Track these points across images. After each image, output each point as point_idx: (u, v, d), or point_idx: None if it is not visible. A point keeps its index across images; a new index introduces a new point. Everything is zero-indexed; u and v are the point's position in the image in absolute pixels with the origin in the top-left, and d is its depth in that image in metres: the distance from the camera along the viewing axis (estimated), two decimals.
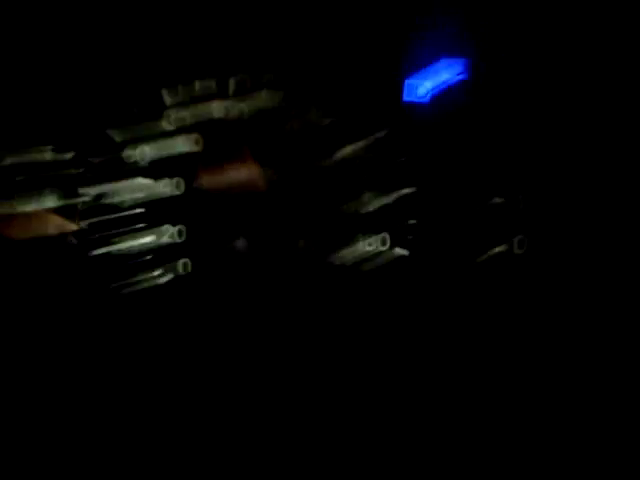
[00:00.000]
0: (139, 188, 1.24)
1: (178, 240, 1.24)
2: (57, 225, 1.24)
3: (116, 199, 1.24)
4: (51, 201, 1.25)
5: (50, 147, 1.24)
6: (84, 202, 1.25)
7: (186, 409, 1.20)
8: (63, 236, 1.25)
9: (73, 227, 1.25)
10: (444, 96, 1.19)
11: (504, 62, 1.17)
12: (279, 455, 1.17)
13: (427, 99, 1.19)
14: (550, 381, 1.16)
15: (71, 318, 1.24)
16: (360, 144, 1.20)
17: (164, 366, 1.22)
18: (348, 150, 1.21)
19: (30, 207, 1.21)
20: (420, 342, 1.20)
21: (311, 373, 1.21)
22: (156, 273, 1.25)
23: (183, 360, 1.23)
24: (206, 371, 1.22)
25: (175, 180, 1.24)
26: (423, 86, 1.18)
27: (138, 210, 1.25)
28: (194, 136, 1.23)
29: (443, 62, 1.18)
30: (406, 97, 1.20)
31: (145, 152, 1.22)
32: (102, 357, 1.22)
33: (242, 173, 1.22)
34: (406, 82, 1.19)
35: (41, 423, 1.18)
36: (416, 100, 1.19)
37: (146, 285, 1.25)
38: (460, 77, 1.18)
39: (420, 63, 1.19)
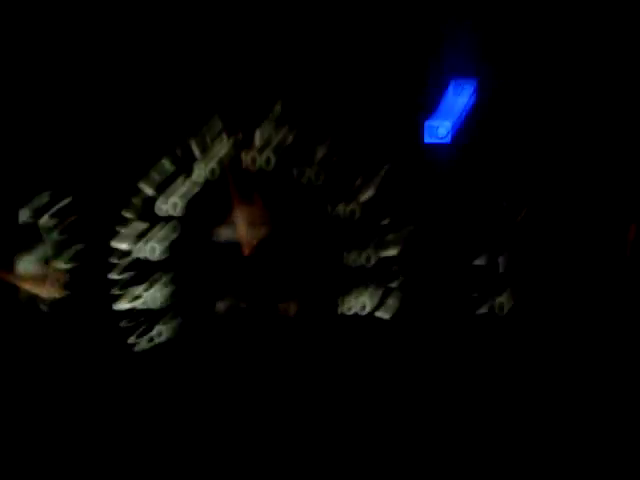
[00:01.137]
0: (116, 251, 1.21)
1: (153, 305, 1.21)
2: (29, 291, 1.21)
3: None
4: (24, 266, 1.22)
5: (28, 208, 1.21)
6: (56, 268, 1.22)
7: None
8: (34, 302, 1.21)
9: (45, 293, 1.21)
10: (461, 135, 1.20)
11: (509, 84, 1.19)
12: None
13: (449, 139, 1.20)
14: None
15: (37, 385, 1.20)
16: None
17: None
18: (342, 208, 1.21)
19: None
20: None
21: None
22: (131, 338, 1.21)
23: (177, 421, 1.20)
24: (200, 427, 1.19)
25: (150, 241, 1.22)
26: (443, 126, 1.19)
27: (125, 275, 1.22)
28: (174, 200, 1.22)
29: (453, 85, 1.20)
30: (427, 139, 1.20)
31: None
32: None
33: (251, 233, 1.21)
34: (426, 124, 1.20)
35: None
36: (438, 141, 1.20)
37: (122, 351, 1.21)
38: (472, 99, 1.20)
39: (433, 96, 1.20)
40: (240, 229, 1.21)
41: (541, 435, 1.16)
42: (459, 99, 1.19)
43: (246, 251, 1.20)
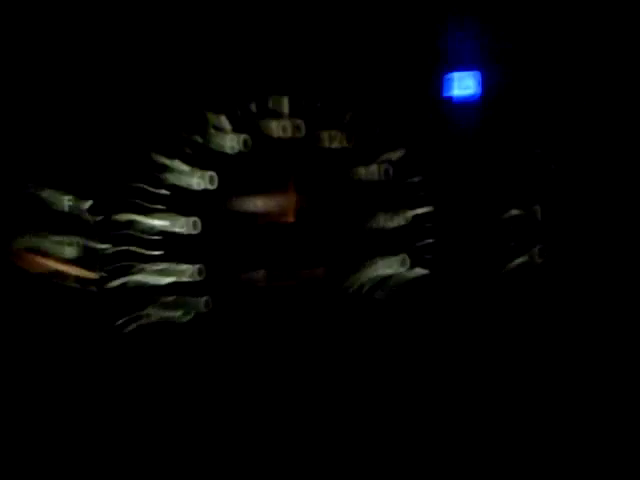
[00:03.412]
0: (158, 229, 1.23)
1: (198, 279, 1.24)
2: (77, 275, 1.23)
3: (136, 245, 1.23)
4: (71, 252, 1.24)
5: (69, 196, 1.23)
6: (103, 250, 1.24)
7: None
8: (84, 285, 1.24)
9: (93, 276, 1.23)
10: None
11: (516, 75, 1.19)
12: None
13: (479, 92, 1.20)
14: (568, 390, 1.18)
15: (91, 362, 1.23)
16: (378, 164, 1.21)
17: (186, 404, 1.22)
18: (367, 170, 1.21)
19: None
20: (442, 360, 1.21)
21: (333, 400, 1.21)
22: (178, 313, 1.24)
23: (206, 397, 1.22)
24: (229, 406, 1.22)
25: (192, 220, 1.23)
26: (470, 79, 1.19)
27: (157, 252, 1.24)
28: (209, 174, 1.23)
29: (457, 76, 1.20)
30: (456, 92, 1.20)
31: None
32: (122, 395, 1.21)
33: (281, 202, 1.22)
34: (455, 77, 1.20)
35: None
36: (464, 96, 1.20)
37: (168, 326, 1.24)
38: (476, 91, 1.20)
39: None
40: (275, 198, 1.22)
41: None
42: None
43: (289, 218, 1.20)
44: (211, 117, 1.22)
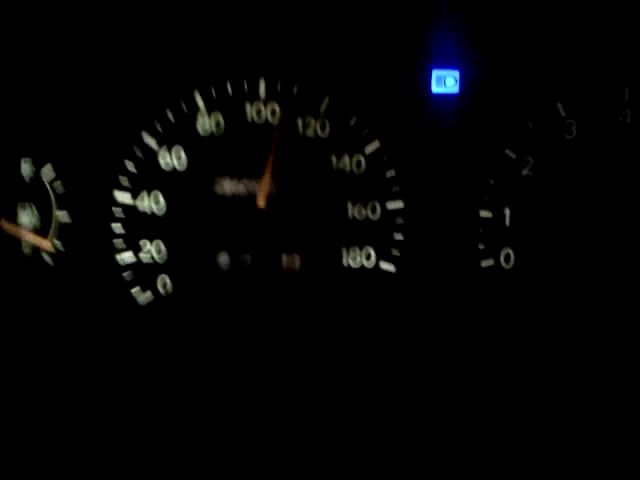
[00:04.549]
0: (119, 204, 1.20)
1: (157, 257, 1.21)
2: (32, 243, 1.20)
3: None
4: (27, 218, 1.21)
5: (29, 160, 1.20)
6: (59, 221, 1.21)
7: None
8: (37, 254, 1.21)
9: (47, 245, 1.20)
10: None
11: (494, 75, 1.18)
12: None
13: (457, 90, 1.18)
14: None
15: (40, 334, 1.20)
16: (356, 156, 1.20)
17: (140, 386, 1.18)
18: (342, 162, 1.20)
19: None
20: (401, 358, 1.19)
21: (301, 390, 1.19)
22: (136, 291, 1.21)
23: (162, 381, 1.19)
24: (187, 392, 1.18)
25: (156, 196, 1.21)
26: (450, 77, 1.18)
27: (117, 227, 1.21)
28: (177, 149, 1.20)
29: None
30: (435, 89, 1.18)
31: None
32: (70, 373, 1.18)
33: (253, 186, 1.20)
34: (434, 73, 1.18)
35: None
36: (446, 92, 1.18)
37: (126, 304, 1.21)
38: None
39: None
40: (247, 182, 1.20)
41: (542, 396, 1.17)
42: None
43: (260, 203, 1.18)
44: (185, 94, 1.20)
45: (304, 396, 1.18)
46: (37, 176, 1.20)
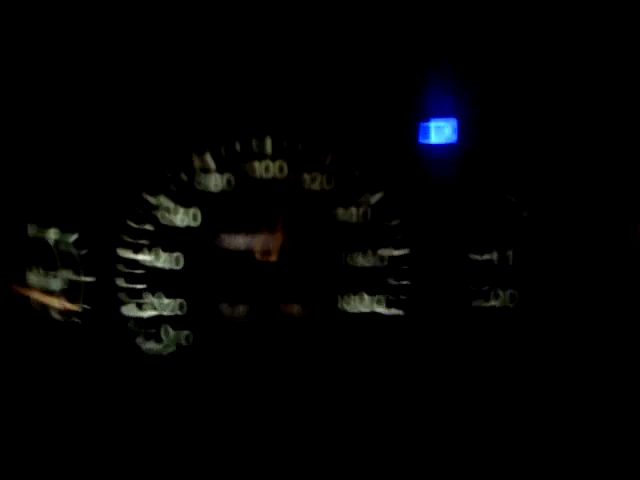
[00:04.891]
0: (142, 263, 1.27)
1: (179, 313, 1.27)
2: (61, 308, 1.27)
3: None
4: (56, 284, 1.28)
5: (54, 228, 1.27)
6: (87, 283, 1.28)
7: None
8: (67, 317, 1.28)
9: (76, 308, 1.27)
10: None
11: (491, 123, 1.22)
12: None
13: (455, 139, 1.23)
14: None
15: (74, 394, 1.26)
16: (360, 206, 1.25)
17: (167, 438, 1.25)
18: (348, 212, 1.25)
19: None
20: (416, 400, 1.24)
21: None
22: (160, 346, 1.27)
23: (187, 431, 1.25)
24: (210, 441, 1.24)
25: (175, 255, 1.27)
26: (447, 127, 1.23)
27: (140, 286, 1.27)
28: (192, 210, 1.27)
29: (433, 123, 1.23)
30: (434, 139, 1.23)
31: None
32: (105, 427, 1.25)
33: (265, 240, 1.26)
34: (432, 124, 1.23)
35: None
36: (443, 142, 1.23)
37: (151, 359, 1.27)
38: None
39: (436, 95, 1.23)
40: (257, 236, 1.26)
41: (541, 434, 1.20)
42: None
43: (272, 257, 1.24)
44: (196, 157, 1.26)
45: (307, 441, 1.23)
46: (63, 243, 1.27)
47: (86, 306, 1.28)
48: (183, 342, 1.28)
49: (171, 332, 1.27)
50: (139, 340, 1.27)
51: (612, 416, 1.19)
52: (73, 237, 1.28)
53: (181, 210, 1.26)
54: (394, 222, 1.25)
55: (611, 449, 1.17)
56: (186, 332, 1.28)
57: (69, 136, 1.27)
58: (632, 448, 1.16)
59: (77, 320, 1.28)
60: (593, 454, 1.17)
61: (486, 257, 1.23)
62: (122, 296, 1.27)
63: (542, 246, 1.22)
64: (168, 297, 1.27)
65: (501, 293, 1.23)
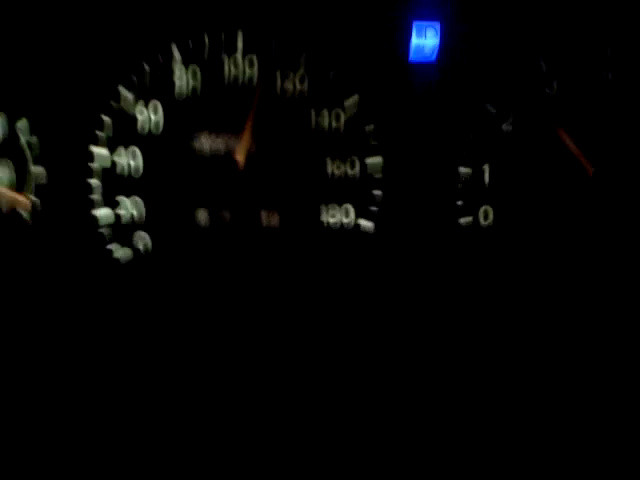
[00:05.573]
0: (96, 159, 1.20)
1: (135, 214, 1.20)
2: (9, 200, 1.19)
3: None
4: (3, 175, 1.20)
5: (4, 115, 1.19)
6: (36, 177, 1.20)
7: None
8: (14, 211, 1.20)
9: (24, 202, 1.19)
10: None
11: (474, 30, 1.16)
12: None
13: (434, 58, 1.16)
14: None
15: (20, 295, 1.20)
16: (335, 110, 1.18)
17: (119, 346, 1.20)
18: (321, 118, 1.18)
19: None
20: (380, 320, 1.20)
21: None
22: (115, 248, 1.21)
23: (142, 338, 1.20)
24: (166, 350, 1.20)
25: (132, 150, 1.20)
26: (429, 46, 1.16)
27: (94, 182, 1.20)
28: (154, 103, 1.19)
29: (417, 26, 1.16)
30: (414, 58, 1.17)
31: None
32: (50, 333, 1.19)
33: (232, 143, 1.19)
34: (414, 24, 1.16)
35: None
36: (424, 60, 1.17)
37: (104, 260, 1.21)
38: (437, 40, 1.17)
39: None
40: (223, 137, 1.19)
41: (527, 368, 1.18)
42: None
43: (239, 161, 1.17)
44: (161, 48, 1.18)
45: (282, 354, 1.19)
46: (12, 131, 1.18)
47: (36, 199, 1.20)
48: (141, 247, 1.21)
49: (145, 237, 1.20)
50: (94, 239, 1.20)
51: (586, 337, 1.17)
52: (22, 123, 1.19)
53: (141, 103, 1.18)
54: (368, 128, 1.18)
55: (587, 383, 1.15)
56: (143, 234, 1.21)
57: (39, 29, 1.18)
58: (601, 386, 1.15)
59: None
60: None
61: (462, 170, 1.18)
62: (95, 198, 1.20)
63: (520, 163, 1.17)
64: (127, 196, 1.20)
65: (475, 209, 1.19)
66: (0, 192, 1.17)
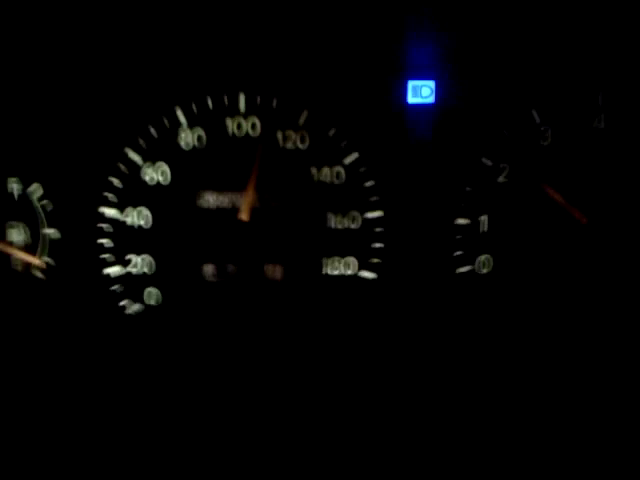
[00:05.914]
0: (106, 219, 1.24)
1: (145, 270, 1.24)
2: (23, 261, 1.24)
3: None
4: (17, 236, 1.25)
5: (17, 179, 1.24)
6: (51, 236, 1.25)
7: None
8: (28, 270, 1.25)
9: (39, 262, 1.24)
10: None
11: (470, 85, 1.20)
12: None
13: (433, 100, 1.20)
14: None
15: (35, 348, 1.24)
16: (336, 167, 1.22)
17: (131, 397, 1.22)
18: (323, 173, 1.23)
19: None
20: (385, 364, 1.23)
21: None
22: (126, 304, 1.25)
23: (153, 390, 1.23)
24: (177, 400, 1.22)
25: (142, 211, 1.24)
26: (427, 87, 1.20)
27: (105, 241, 1.24)
28: (160, 164, 1.24)
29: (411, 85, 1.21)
30: (411, 99, 1.21)
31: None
32: (65, 385, 1.23)
33: (236, 199, 1.23)
34: (410, 83, 1.20)
35: None
36: (422, 102, 1.20)
37: (115, 316, 1.24)
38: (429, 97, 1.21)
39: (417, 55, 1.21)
40: (228, 194, 1.23)
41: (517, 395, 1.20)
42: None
43: (243, 216, 1.21)
44: (166, 112, 1.23)
45: (287, 403, 1.21)
46: (25, 194, 1.23)
47: (50, 260, 1.25)
48: (151, 302, 1.25)
49: (154, 291, 1.24)
50: (106, 296, 1.24)
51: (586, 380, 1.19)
52: (35, 187, 1.24)
53: (149, 166, 1.23)
54: (369, 183, 1.22)
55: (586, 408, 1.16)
56: (154, 290, 1.25)
57: (49, 95, 1.23)
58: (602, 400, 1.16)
59: (39, 274, 1.25)
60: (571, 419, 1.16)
61: (460, 221, 1.21)
62: (106, 256, 1.24)
63: (517, 212, 1.20)
64: (137, 254, 1.24)
65: (473, 258, 1.21)
66: (15, 254, 1.22)
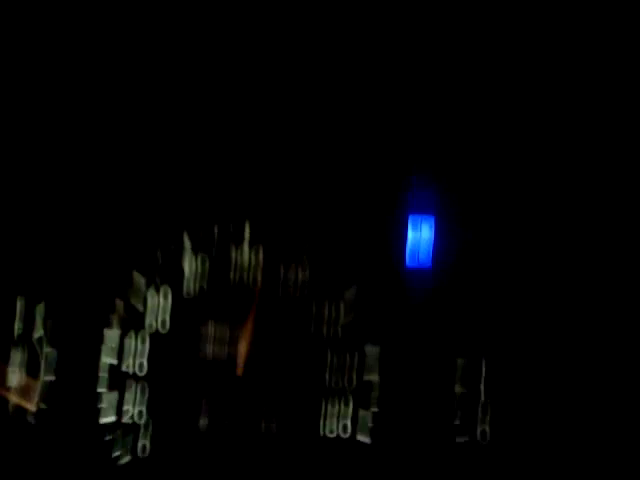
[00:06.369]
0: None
1: (138, 421, 1.23)
2: (15, 404, 1.24)
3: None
4: (13, 379, 1.25)
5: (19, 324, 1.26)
6: (46, 381, 1.25)
7: None
8: (22, 415, 1.24)
9: (32, 407, 1.24)
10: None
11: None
12: None
13: (429, 264, 1.22)
14: None
15: None
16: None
17: None
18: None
19: None
20: None
21: None
22: (117, 453, 1.22)
23: None
24: None
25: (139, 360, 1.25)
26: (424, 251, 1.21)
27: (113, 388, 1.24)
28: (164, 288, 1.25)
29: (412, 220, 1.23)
30: (410, 264, 1.23)
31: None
32: None
33: (232, 352, 1.23)
34: (408, 248, 1.22)
35: None
36: (420, 266, 1.22)
37: (106, 466, 1.22)
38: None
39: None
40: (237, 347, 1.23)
41: None
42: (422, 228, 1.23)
43: (239, 370, 1.21)
44: (173, 234, 1.25)
45: None
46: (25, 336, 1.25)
47: (42, 405, 1.24)
48: (139, 452, 1.23)
49: (145, 443, 1.22)
50: (96, 445, 1.23)
51: None
52: (38, 333, 1.26)
53: (153, 288, 1.24)
54: (367, 347, 1.22)
55: None
56: (144, 442, 1.23)
57: (57, 218, 1.27)
58: None
59: (31, 419, 1.24)
60: None
61: (458, 390, 1.19)
62: (98, 400, 1.24)
63: (514, 385, 1.18)
64: (131, 404, 1.24)
65: (474, 429, 1.19)
66: (8, 397, 1.22)
